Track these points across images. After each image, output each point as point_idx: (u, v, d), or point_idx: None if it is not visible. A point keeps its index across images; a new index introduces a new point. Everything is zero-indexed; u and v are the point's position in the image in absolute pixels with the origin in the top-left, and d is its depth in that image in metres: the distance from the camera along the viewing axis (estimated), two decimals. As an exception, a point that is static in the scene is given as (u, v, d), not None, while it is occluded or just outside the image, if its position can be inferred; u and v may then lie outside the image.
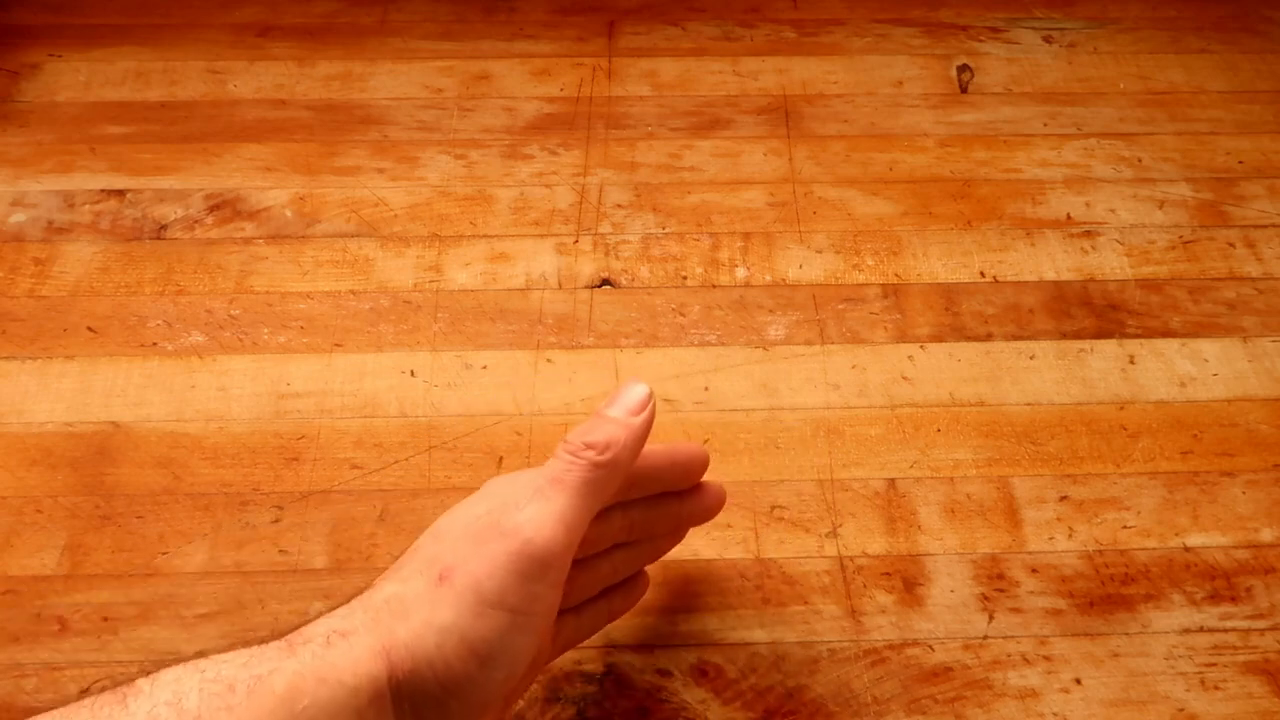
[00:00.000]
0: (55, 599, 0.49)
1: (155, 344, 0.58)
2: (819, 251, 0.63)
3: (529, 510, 0.32)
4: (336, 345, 0.58)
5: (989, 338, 0.59)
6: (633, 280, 0.62)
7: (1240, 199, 0.66)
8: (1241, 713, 0.46)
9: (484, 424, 0.55)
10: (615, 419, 0.35)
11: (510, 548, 0.31)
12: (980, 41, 0.76)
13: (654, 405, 0.36)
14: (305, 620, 0.31)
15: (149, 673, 0.28)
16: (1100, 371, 0.58)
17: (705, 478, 0.45)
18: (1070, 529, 0.52)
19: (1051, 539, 0.52)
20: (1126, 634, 0.49)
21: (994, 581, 0.50)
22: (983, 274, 0.62)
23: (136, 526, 0.51)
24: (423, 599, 0.31)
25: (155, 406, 0.56)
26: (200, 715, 0.27)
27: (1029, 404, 0.57)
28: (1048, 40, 0.76)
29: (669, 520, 0.44)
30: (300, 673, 0.29)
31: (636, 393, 0.36)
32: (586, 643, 0.48)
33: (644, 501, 0.42)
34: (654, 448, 0.41)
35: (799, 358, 0.58)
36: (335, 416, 0.55)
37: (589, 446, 0.33)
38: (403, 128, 0.69)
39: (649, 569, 0.46)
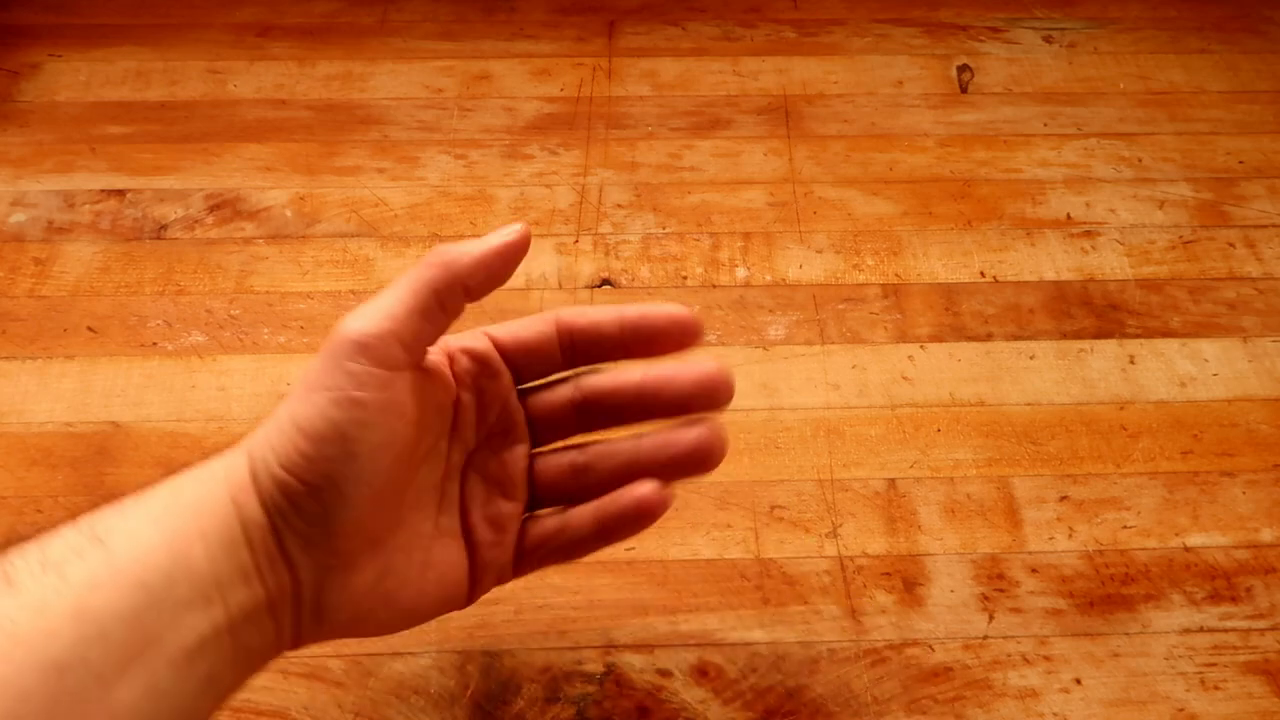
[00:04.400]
0: (55, 599, 0.49)
1: (155, 344, 0.58)
2: (819, 251, 0.63)
3: (355, 311, 0.34)
4: (336, 345, 0.58)
5: (989, 338, 0.59)
6: (633, 280, 0.62)
7: (1240, 199, 0.66)
8: (1242, 713, 0.46)
9: (484, 424, 0.55)
10: (473, 240, 0.36)
11: (331, 338, 0.33)
12: (980, 41, 0.76)
13: (520, 238, 0.36)
14: None
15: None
16: (1100, 371, 0.58)
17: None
18: (1070, 529, 0.52)
19: (1051, 539, 0.52)
20: (1126, 634, 0.49)
21: (994, 581, 0.50)
22: (983, 274, 0.62)
23: (136, 526, 0.51)
24: (280, 403, 0.35)
25: (155, 406, 0.56)
26: (96, 517, 0.31)
27: (1029, 404, 0.57)
28: (1048, 40, 0.76)
29: (629, 396, 0.38)
30: (181, 477, 0.33)
31: (509, 226, 0.36)
32: (586, 642, 0.48)
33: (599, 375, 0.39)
34: (603, 307, 0.37)
35: (799, 358, 0.58)
36: (335, 416, 0.55)
37: (433, 252, 0.35)
38: (403, 128, 0.69)
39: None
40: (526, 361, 0.39)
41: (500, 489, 0.39)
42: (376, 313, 0.34)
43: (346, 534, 0.33)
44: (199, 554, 0.31)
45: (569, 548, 0.39)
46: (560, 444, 0.40)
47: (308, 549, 0.33)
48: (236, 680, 0.33)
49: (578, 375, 0.39)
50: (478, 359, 0.39)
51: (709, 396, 0.38)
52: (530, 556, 0.40)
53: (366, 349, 0.33)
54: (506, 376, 0.39)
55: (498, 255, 0.35)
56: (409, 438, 0.35)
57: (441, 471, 0.38)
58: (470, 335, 0.40)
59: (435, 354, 0.38)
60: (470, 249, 0.35)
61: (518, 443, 0.40)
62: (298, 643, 0.35)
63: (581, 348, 0.38)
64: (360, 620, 0.36)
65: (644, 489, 0.37)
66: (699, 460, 0.38)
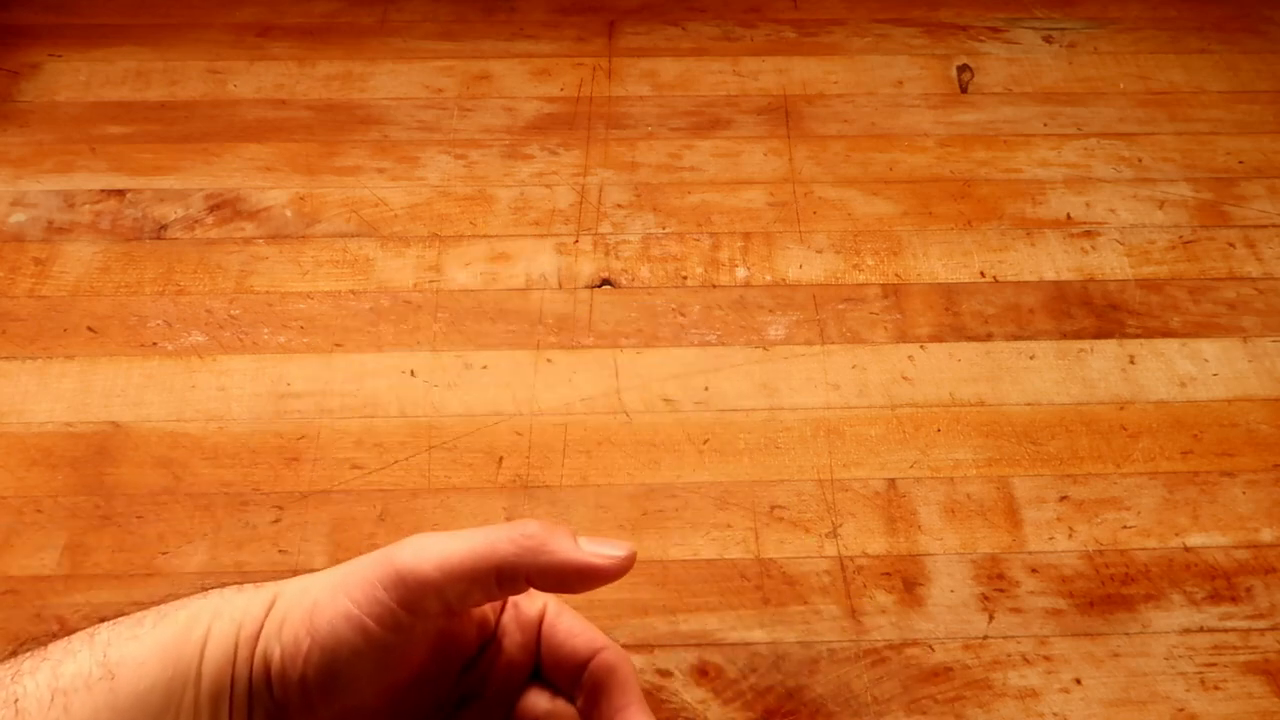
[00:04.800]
0: (55, 599, 0.49)
1: (155, 344, 0.58)
2: (819, 251, 0.63)
3: (431, 537, 0.33)
4: (337, 345, 0.58)
5: (989, 338, 0.59)
6: (633, 280, 0.62)
7: (1240, 199, 0.66)
8: (1241, 713, 0.46)
9: (484, 424, 0.55)
10: (574, 537, 0.33)
11: (386, 554, 0.32)
12: (980, 41, 0.76)
13: (622, 565, 0.33)
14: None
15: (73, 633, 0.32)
16: (1100, 371, 0.58)
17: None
18: (1070, 529, 0.52)
19: (1051, 539, 0.52)
20: (1127, 634, 0.49)
21: (994, 581, 0.50)
22: (983, 274, 0.62)
23: (136, 526, 0.51)
24: (326, 572, 0.33)
25: (155, 406, 0.56)
26: (110, 641, 0.31)
27: (1029, 404, 0.57)
28: (1048, 40, 0.76)
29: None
30: (203, 607, 0.32)
31: (618, 545, 0.33)
32: (586, 643, 0.48)
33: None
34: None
35: (799, 358, 0.58)
36: (335, 416, 0.55)
37: (524, 524, 0.33)
38: (403, 128, 0.69)
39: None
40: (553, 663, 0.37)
41: None
42: (435, 555, 0.32)
43: None
44: (189, 701, 0.31)
45: None
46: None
47: None
48: None
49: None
50: (526, 628, 0.37)
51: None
52: None
53: (402, 587, 0.31)
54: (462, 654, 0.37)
55: (583, 573, 0.33)
56: (402, 676, 0.34)
57: (434, 700, 0.36)
58: (532, 600, 0.37)
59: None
60: (561, 548, 0.32)
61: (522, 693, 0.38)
62: None
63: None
64: None
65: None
66: None
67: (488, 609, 0.36)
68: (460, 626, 0.35)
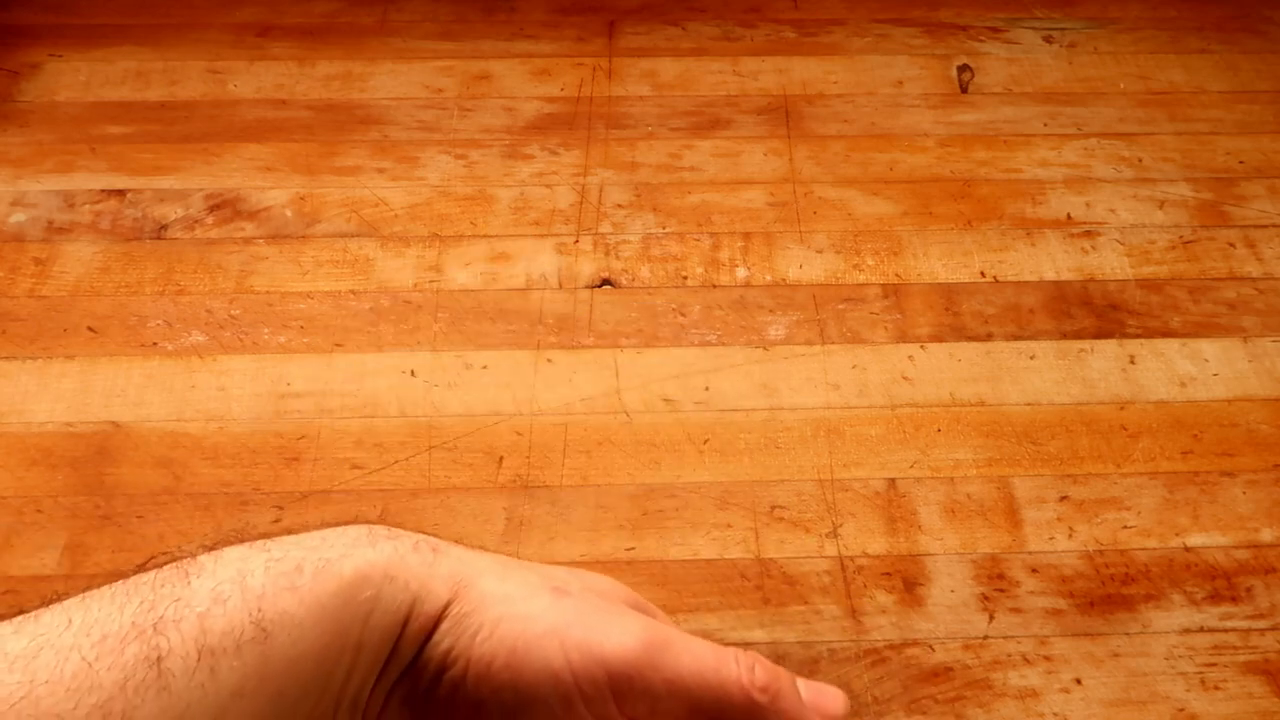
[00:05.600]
0: (56, 598, 0.49)
1: (155, 344, 0.58)
2: (819, 251, 0.63)
3: (673, 634, 0.29)
4: (337, 345, 0.58)
5: (989, 338, 0.59)
6: (633, 280, 0.62)
7: (1240, 199, 0.66)
8: (1242, 712, 0.46)
9: (484, 424, 0.55)
10: (799, 693, 0.29)
11: (617, 625, 0.28)
12: (980, 41, 0.76)
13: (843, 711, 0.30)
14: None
15: (212, 549, 0.28)
16: (1100, 371, 0.58)
17: None
18: (1070, 529, 0.52)
19: (1052, 539, 0.52)
20: (1127, 634, 0.49)
21: (994, 581, 0.50)
22: (983, 274, 0.62)
23: (137, 526, 0.51)
24: (527, 586, 0.29)
25: (155, 406, 0.56)
26: (264, 593, 0.26)
27: (1029, 404, 0.57)
28: (1048, 40, 0.76)
29: None
30: (373, 563, 0.28)
31: (838, 698, 0.31)
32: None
33: None
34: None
35: (799, 358, 0.58)
36: (335, 416, 0.55)
37: (757, 669, 0.28)
38: (403, 128, 0.69)
39: None
40: None
41: None
42: (669, 667, 0.28)
43: None
44: (340, 673, 0.27)
45: None
46: None
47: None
48: None
49: None
50: None
51: None
52: None
53: (625, 685, 0.28)
54: None
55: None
56: None
57: None
58: None
59: None
60: (791, 706, 0.28)
61: None
62: None
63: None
64: None
65: None
66: None
67: None
68: None
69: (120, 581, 0.26)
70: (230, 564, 0.27)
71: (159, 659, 0.25)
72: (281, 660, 0.26)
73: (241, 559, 0.27)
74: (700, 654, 0.28)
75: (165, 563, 0.27)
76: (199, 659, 0.25)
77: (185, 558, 0.27)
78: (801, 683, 0.30)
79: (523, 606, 0.28)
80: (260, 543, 0.28)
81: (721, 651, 0.28)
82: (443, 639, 0.28)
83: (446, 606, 0.28)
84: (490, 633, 0.28)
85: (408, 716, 0.29)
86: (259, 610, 0.26)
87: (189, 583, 0.26)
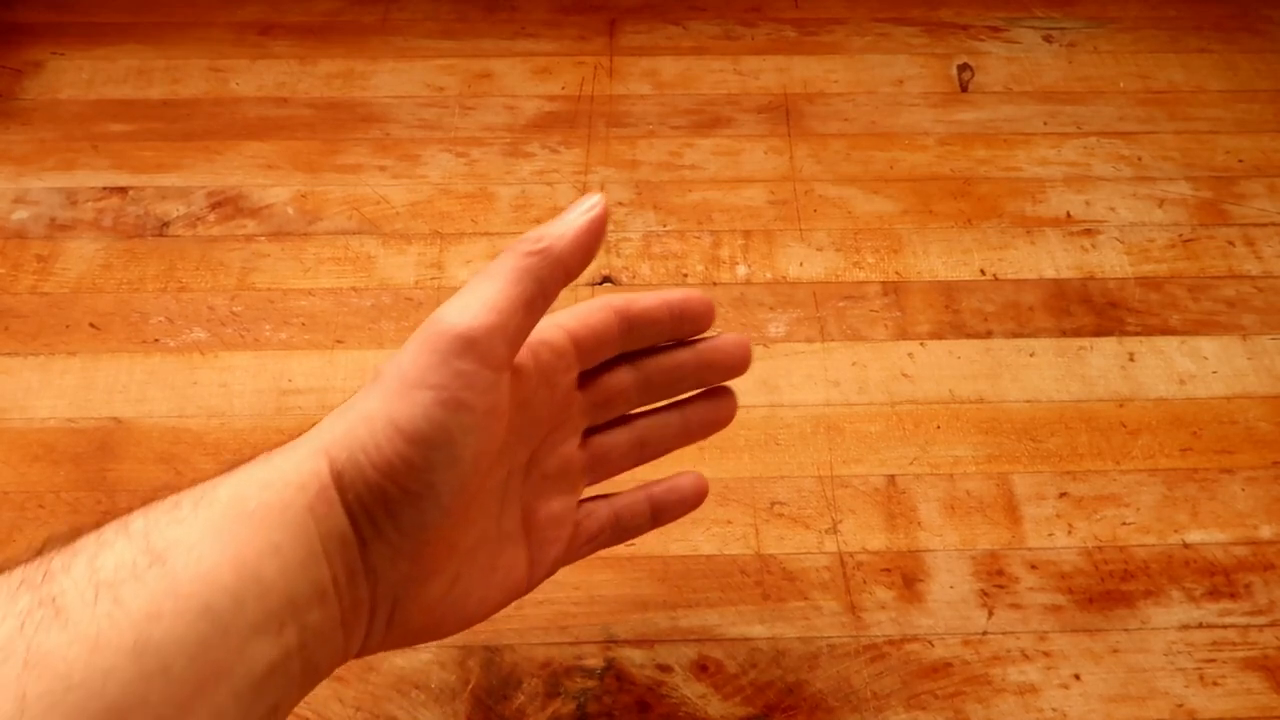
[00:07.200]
0: (57, 594, 0.49)
1: (157, 340, 0.58)
2: (819, 249, 0.63)
3: (454, 301, 0.32)
4: (338, 342, 0.59)
5: (989, 335, 0.60)
6: (634, 278, 0.62)
7: (1240, 197, 0.66)
8: (1241, 709, 0.46)
9: (485, 420, 0.55)
10: (557, 220, 0.34)
11: (431, 330, 0.31)
12: (980, 40, 0.76)
13: (603, 209, 0.35)
14: None
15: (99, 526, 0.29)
16: (1100, 369, 0.58)
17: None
18: (1070, 525, 0.52)
19: (1051, 535, 0.52)
20: (1126, 630, 0.49)
21: (993, 578, 0.50)
22: (983, 272, 0.62)
23: (138, 522, 0.52)
24: (357, 398, 0.32)
25: (157, 403, 0.56)
26: (149, 533, 0.27)
27: (1029, 401, 0.57)
28: (1048, 39, 0.77)
29: (685, 373, 0.41)
30: (243, 479, 0.29)
31: (585, 199, 0.35)
32: (586, 637, 0.48)
33: (653, 352, 0.41)
34: (646, 294, 0.40)
35: (799, 355, 0.58)
36: (337, 413, 0.56)
37: (523, 240, 0.33)
38: (404, 126, 0.69)
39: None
40: (591, 349, 0.39)
41: (557, 483, 0.39)
42: (480, 305, 0.31)
43: (435, 542, 0.31)
44: (271, 572, 0.27)
45: (621, 534, 0.42)
46: (607, 420, 0.41)
47: (395, 560, 0.31)
48: (297, 701, 0.29)
49: (634, 357, 0.41)
50: (557, 353, 0.38)
51: (741, 362, 0.43)
52: (584, 544, 0.40)
53: (474, 346, 0.31)
54: (575, 368, 0.39)
55: (590, 232, 0.34)
56: (501, 441, 0.33)
57: (506, 470, 0.37)
58: (547, 328, 0.38)
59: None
60: (563, 230, 0.33)
61: (573, 434, 0.39)
62: (362, 653, 0.33)
63: (636, 332, 0.40)
64: (429, 628, 0.34)
65: (687, 479, 0.43)
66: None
67: (527, 362, 0.36)
68: (517, 385, 0.35)
69: (16, 570, 0.27)
70: (113, 523, 0.28)
71: (53, 599, 0.25)
72: (190, 578, 0.26)
73: (123, 519, 0.28)
74: (492, 277, 0.33)
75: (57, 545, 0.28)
76: (96, 592, 0.25)
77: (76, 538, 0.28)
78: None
79: (368, 407, 0.31)
80: (145, 506, 0.29)
81: (498, 260, 0.33)
82: (348, 488, 0.30)
83: (330, 470, 0.30)
84: (375, 444, 0.30)
85: (398, 563, 0.31)
86: (146, 541, 0.27)
87: (73, 545, 0.27)
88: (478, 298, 0.32)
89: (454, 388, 0.30)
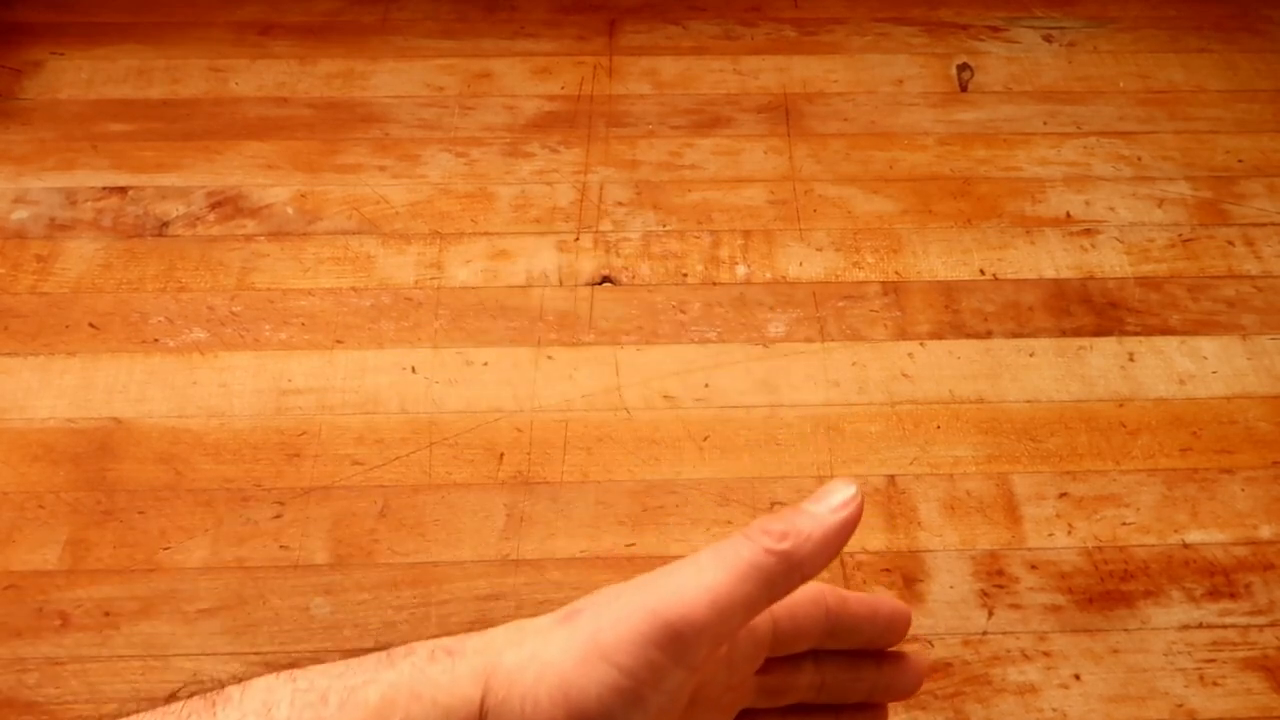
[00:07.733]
0: (57, 594, 0.49)
1: (157, 340, 0.58)
2: (819, 249, 0.63)
3: (676, 576, 0.29)
4: (338, 342, 0.59)
5: (989, 335, 0.59)
6: (633, 277, 0.62)
7: (1240, 197, 0.66)
8: (1240, 708, 0.46)
9: (485, 420, 0.55)
10: (806, 510, 0.31)
11: (641, 603, 0.28)
12: (980, 40, 0.76)
13: (860, 503, 0.31)
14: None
15: (241, 680, 0.28)
16: (1100, 369, 0.58)
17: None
18: (1070, 525, 0.52)
19: (1051, 535, 0.52)
20: (1126, 630, 0.49)
21: (993, 578, 0.50)
22: (982, 272, 0.62)
23: (138, 522, 0.52)
24: (541, 633, 0.29)
25: (157, 403, 0.56)
26: None
27: (1029, 401, 0.57)
28: (1048, 39, 0.77)
29: (862, 685, 0.38)
30: (396, 685, 0.28)
31: (839, 487, 0.31)
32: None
33: (839, 656, 0.37)
34: (857, 595, 0.36)
35: (799, 355, 0.58)
36: (336, 413, 0.56)
37: (765, 532, 0.30)
38: (404, 125, 0.69)
39: None
40: (789, 641, 0.36)
41: None
42: (700, 594, 0.28)
43: None
44: None
45: None
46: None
47: None
48: None
49: (821, 656, 0.37)
50: (756, 643, 0.35)
51: (914, 686, 0.38)
52: None
53: (678, 640, 0.28)
54: (764, 658, 0.36)
55: (841, 535, 0.30)
56: None
57: None
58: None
59: None
60: (811, 529, 0.30)
61: (729, 712, 0.36)
62: None
63: (837, 635, 0.36)
64: None
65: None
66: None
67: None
68: (709, 671, 0.32)
69: (149, 713, 0.26)
70: (256, 695, 0.27)
71: None
72: None
73: (267, 689, 0.27)
74: (719, 561, 0.29)
75: (194, 693, 0.27)
76: None
77: (213, 689, 0.27)
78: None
79: (547, 654, 0.28)
80: (287, 673, 0.28)
81: (736, 543, 0.29)
82: (510, 712, 0.28)
83: (483, 704, 0.28)
84: (536, 698, 0.28)
85: None
86: None
87: (215, 714, 0.26)
88: (702, 583, 0.29)
89: (640, 678, 0.28)
